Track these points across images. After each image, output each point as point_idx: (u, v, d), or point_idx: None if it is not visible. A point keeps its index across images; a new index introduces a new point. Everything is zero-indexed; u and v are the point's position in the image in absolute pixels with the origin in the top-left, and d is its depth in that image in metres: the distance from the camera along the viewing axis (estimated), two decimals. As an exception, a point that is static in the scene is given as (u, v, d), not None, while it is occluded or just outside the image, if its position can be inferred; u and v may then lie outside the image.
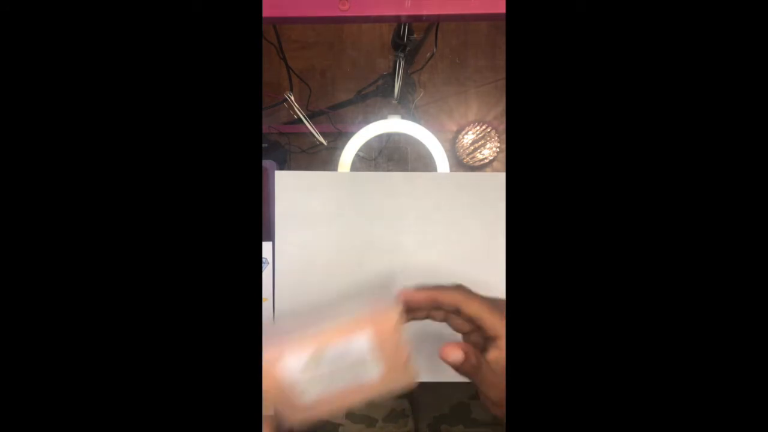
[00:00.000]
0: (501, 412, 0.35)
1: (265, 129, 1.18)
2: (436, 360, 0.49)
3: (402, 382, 0.36)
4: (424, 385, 0.59)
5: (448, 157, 0.79)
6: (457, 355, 0.33)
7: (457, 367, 0.34)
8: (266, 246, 0.50)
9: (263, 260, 0.50)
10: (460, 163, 1.27)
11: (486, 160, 1.26)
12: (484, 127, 1.24)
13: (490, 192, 0.50)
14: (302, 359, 0.31)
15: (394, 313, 0.33)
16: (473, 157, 1.26)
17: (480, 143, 1.25)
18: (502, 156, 1.25)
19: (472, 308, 0.34)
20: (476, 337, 0.36)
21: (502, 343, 0.34)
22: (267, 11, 0.46)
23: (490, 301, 0.35)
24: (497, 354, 0.34)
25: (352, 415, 0.56)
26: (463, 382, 0.49)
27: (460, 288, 0.35)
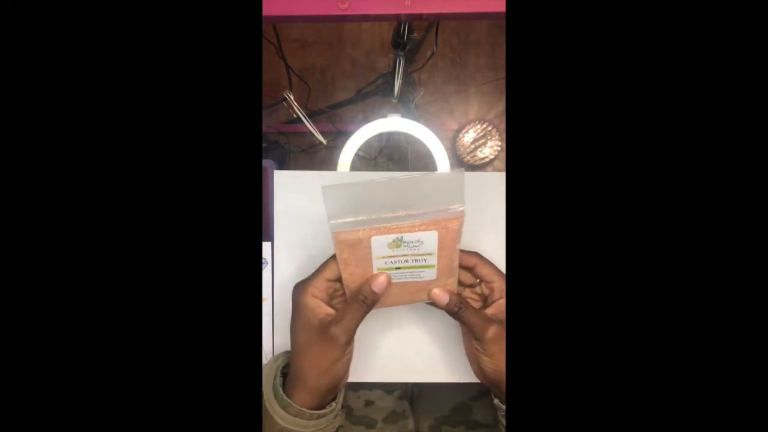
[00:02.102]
0: (484, 350, 0.41)
1: (264, 128, 1.18)
2: (437, 360, 0.49)
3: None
4: (424, 386, 0.59)
5: (449, 156, 0.79)
6: (443, 298, 0.41)
7: (444, 307, 0.41)
8: (266, 246, 0.50)
9: (263, 260, 0.50)
10: (461, 162, 1.27)
11: (487, 159, 1.26)
12: (484, 125, 1.24)
13: (491, 191, 0.49)
14: (390, 238, 0.38)
15: (456, 224, 0.38)
16: (474, 156, 1.26)
17: (481, 142, 1.25)
18: (503, 155, 1.25)
19: (485, 270, 0.42)
20: (480, 290, 0.44)
21: (504, 302, 0.41)
22: (267, 10, 0.46)
23: (498, 269, 0.42)
24: (498, 308, 0.41)
25: (352, 417, 0.56)
26: (463, 383, 0.49)
27: (477, 253, 0.42)
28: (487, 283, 0.42)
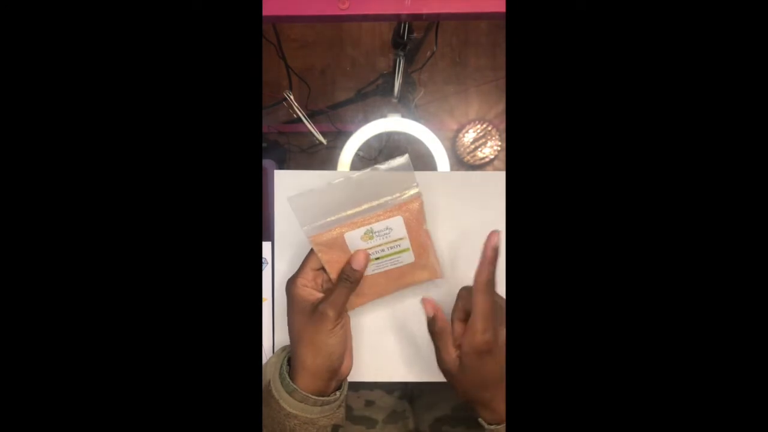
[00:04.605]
0: (450, 377, 0.41)
1: (264, 128, 1.18)
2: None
3: (429, 270, 0.44)
4: (424, 386, 0.59)
5: (449, 156, 0.79)
6: (428, 309, 0.42)
7: (427, 323, 0.42)
8: (266, 246, 0.50)
9: (263, 260, 0.50)
10: (461, 162, 1.27)
11: (487, 159, 1.26)
12: (484, 125, 1.24)
13: (491, 191, 0.49)
14: (360, 231, 0.40)
15: (417, 204, 0.40)
16: (474, 156, 1.26)
17: (481, 142, 1.25)
18: (503, 155, 1.25)
19: (479, 302, 0.39)
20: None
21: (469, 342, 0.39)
22: (267, 10, 0.46)
23: (491, 310, 0.39)
24: (463, 344, 0.39)
25: (352, 416, 0.56)
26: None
27: (490, 285, 0.39)
28: (473, 313, 0.39)
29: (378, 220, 0.40)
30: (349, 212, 0.40)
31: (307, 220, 0.40)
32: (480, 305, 0.39)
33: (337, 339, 0.41)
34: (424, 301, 0.42)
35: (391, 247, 0.42)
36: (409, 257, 0.43)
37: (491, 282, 0.39)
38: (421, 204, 0.41)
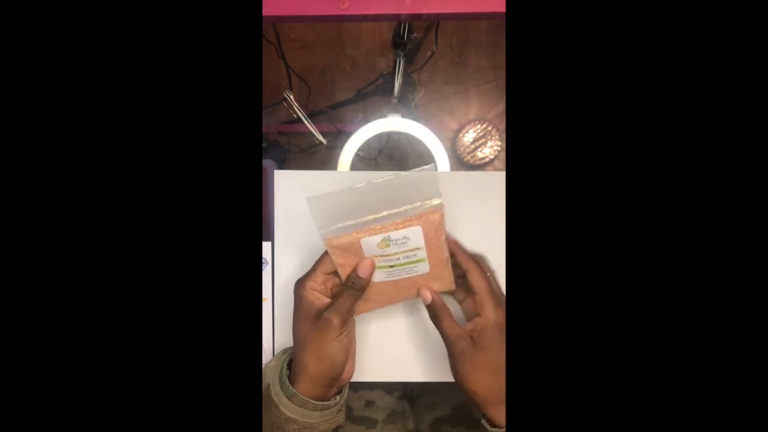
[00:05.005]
0: (451, 364, 0.41)
1: (264, 128, 1.18)
2: (437, 360, 0.49)
3: (444, 281, 0.43)
4: (424, 386, 0.59)
5: (449, 156, 0.79)
6: (426, 295, 0.42)
7: (427, 306, 0.42)
8: (266, 246, 0.50)
9: (263, 260, 0.50)
10: (461, 162, 1.27)
11: (487, 159, 1.25)
12: (484, 125, 1.24)
13: (491, 191, 0.49)
14: (378, 238, 0.40)
15: (437, 216, 0.39)
16: (474, 156, 1.26)
17: (480, 142, 1.25)
18: (503, 155, 1.25)
19: (477, 282, 0.41)
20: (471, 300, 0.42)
21: (482, 322, 0.40)
22: (267, 10, 0.46)
23: (491, 285, 0.41)
24: (474, 326, 0.40)
25: (352, 417, 0.56)
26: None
27: (478, 258, 0.42)
28: (474, 295, 0.41)
29: (396, 229, 0.39)
30: (369, 218, 0.39)
31: (324, 223, 0.39)
32: (478, 283, 0.40)
33: (341, 346, 0.40)
34: (421, 289, 0.42)
35: (407, 257, 0.41)
36: (424, 267, 0.42)
37: (474, 257, 0.42)
38: (442, 215, 0.40)
